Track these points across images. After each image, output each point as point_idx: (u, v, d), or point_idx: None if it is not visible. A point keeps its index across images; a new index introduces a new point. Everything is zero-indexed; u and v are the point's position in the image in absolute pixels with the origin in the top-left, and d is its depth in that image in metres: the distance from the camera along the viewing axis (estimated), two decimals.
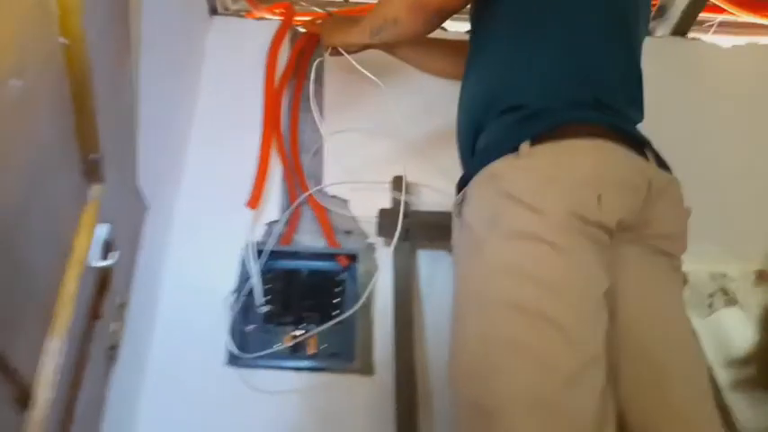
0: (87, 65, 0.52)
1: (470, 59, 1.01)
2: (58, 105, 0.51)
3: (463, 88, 1.01)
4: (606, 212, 0.76)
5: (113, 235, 0.76)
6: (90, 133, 0.59)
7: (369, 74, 1.17)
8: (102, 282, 0.81)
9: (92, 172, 0.66)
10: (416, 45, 1.25)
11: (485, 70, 0.95)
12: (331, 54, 1.21)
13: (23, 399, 0.54)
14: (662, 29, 1.69)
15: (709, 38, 1.72)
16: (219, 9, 1.61)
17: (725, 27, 1.74)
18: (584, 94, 0.86)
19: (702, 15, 1.68)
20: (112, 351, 0.93)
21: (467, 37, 1.07)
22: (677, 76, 1.56)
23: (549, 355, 0.70)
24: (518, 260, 0.75)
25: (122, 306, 0.96)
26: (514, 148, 0.80)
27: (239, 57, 1.51)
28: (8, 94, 0.37)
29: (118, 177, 0.82)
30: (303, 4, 1.71)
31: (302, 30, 1.58)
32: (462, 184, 0.89)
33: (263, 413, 1.08)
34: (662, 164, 0.88)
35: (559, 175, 0.77)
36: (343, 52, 1.18)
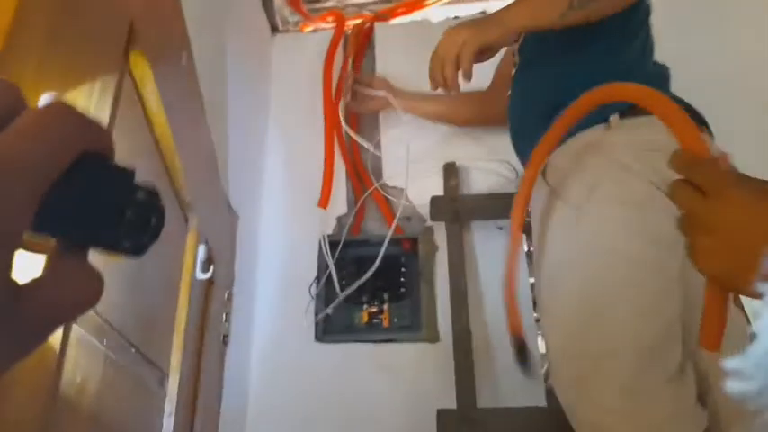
0: (173, 143, 0.72)
1: (545, 48, 1.06)
2: (155, 177, 0.72)
3: (537, 74, 1.08)
4: None
5: (211, 251, 0.98)
6: (181, 185, 0.80)
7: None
8: (209, 286, 1.04)
9: (188, 208, 0.87)
10: (438, 100, 1.40)
11: (570, 57, 1.02)
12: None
13: (162, 379, 0.77)
14: None
15: None
16: (280, 25, 1.80)
17: None
18: (655, 77, 0.99)
19: None
20: (225, 338, 1.17)
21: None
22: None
23: (654, 302, 0.80)
24: (622, 219, 0.83)
25: (228, 299, 1.20)
26: (605, 120, 0.90)
27: (302, 69, 1.70)
28: None
29: (211, 203, 1.04)
30: (353, 8, 1.86)
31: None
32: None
33: (348, 381, 1.29)
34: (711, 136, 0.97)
35: (651, 144, 0.85)
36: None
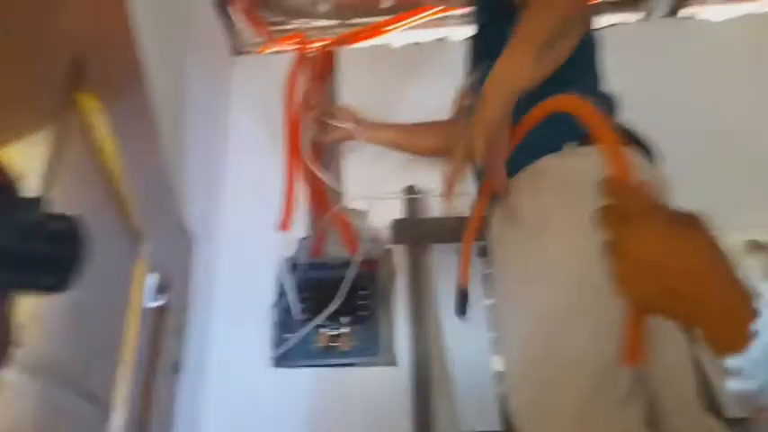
0: (122, 172, 0.71)
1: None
2: (103, 207, 0.70)
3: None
4: None
5: (164, 278, 0.96)
6: (131, 214, 0.79)
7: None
8: (161, 313, 1.01)
9: (138, 236, 0.86)
10: (401, 131, 1.43)
11: (534, 92, 1.01)
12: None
13: (106, 415, 0.75)
14: (660, 8, 1.73)
15: (704, 10, 1.75)
16: (241, 47, 1.79)
17: None
18: (609, 106, 1.01)
19: None
20: (176, 365, 1.14)
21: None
22: (672, 56, 1.62)
23: (609, 325, 0.76)
24: (577, 245, 0.83)
25: (182, 325, 1.17)
26: (560, 148, 0.92)
27: (262, 91, 1.69)
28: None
29: (165, 229, 1.02)
30: (316, 32, 1.87)
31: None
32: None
33: (306, 407, 1.28)
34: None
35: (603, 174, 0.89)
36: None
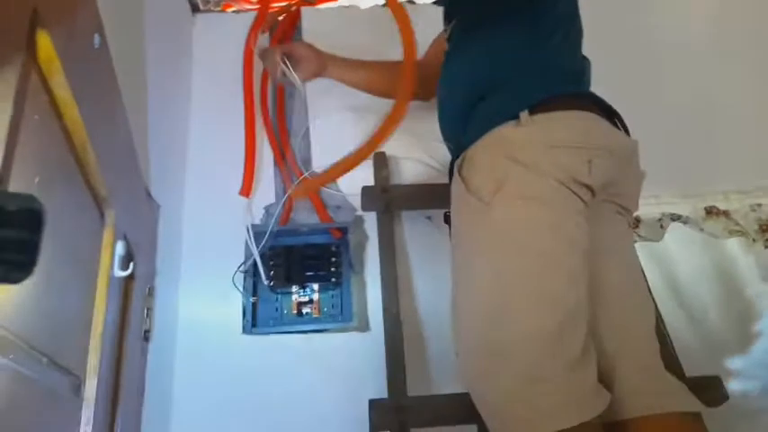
0: (85, 135, 0.67)
1: (468, 38, 1.11)
2: (67, 174, 0.67)
3: (459, 63, 1.12)
4: (595, 176, 0.90)
5: (130, 246, 0.93)
6: (96, 179, 0.75)
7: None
8: (129, 282, 0.99)
9: (104, 203, 0.82)
10: (362, 68, 1.41)
11: (488, 50, 1.06)
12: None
13: (77, 386, 0.72)
14: None
15: None
16: (201, 4, 1.72)
17: None
18: (570, 74, 1.03)
19: None
20: (146, 333, 1.12)
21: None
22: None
23: (558, 291, 0.84)
24: (525, 215, 0.87)
25: (150, 294, 1.14)
26: (515, 116, 0.93)
27: (224, 51, 1.63)
28: (34, 188, 0.53)
29: (129, 195, 0.98)
30: None
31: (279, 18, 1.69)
32: (460, 148, 1.00)
33: (278, 373, 1.28)
34: (626, 131, 1.02)
35: (557, 141, 0.90)
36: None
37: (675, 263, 1.35)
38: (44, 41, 0.55)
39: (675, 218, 1.33)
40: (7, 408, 0.50)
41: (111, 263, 0.85)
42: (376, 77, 1.41)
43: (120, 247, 0.88)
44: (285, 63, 1.30)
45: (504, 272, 0.87)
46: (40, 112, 0.55)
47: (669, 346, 1.11)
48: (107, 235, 0.83)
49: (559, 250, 0.86)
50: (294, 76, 1.31)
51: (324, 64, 1.37)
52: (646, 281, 1.09)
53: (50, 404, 0.65)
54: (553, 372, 0.80)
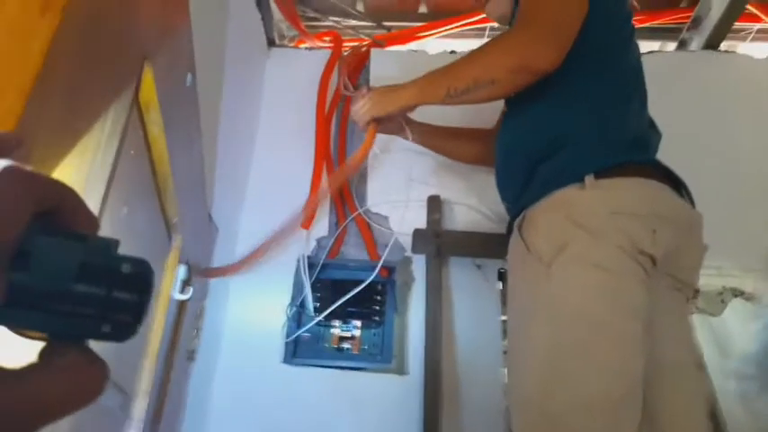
0: (168, 168, 0.71)
1: (530, 96, 1.06)
2: (147, 202, 0.71)
3: (521, 121, 1.10)
4: (658, 245, 0.88)
5: (190, 270, 0.96)
6: (170, 206, 0.79)
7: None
8: (183, 303, 1.02)
9: (173, 229, 0.86)
10: (446, 136, 1.39)
11: (553, 107, 1.04)
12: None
13: (125, 403, 0.75)
14: (696, 40, 1.72)
15: (745, 47, 1.74)
16: (277, 39, 1.79)
17: (763, 34, 1.75)
18: (638, 139, 1.00)
19: (738, 24, 1.70)
20: (192, 353, 1.15)
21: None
22: (711, 89, 1.61)
23: (618, 361, 0.82)
24: (586, 282, 0.86)
25: (200, 314, 1.18)
26: (580, 179, 0.93)
27: (295, 85, 1.69)
28: (123, 218, 0.56)
29: (195, 221, 1.02)
30: (350, 31, 1.87)
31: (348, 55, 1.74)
32: (519, 207, 1.00)
33: (312, 406, 1.28)
34: (692, 202, 1.01)
35: (622, 208, 0.90)
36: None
37: (733, 340, 1.30)
38: (148, 78, 0.59)
39: (738, 293, 1.28)
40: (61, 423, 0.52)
41: (172, 285, 0.88)
42: (450, 146, 1.42)
43: (182, 271, 0.92)
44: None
45: (563, 338, 0.85)
46: (135, 146, 0.59)
47: (722, 428, 1.07)
48: (172, 258, 0.87)
49: (620, 319, 0.84)
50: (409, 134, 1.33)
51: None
52: (702, 358, 1.06)
53: (99, 419, 0.67)
54: None
